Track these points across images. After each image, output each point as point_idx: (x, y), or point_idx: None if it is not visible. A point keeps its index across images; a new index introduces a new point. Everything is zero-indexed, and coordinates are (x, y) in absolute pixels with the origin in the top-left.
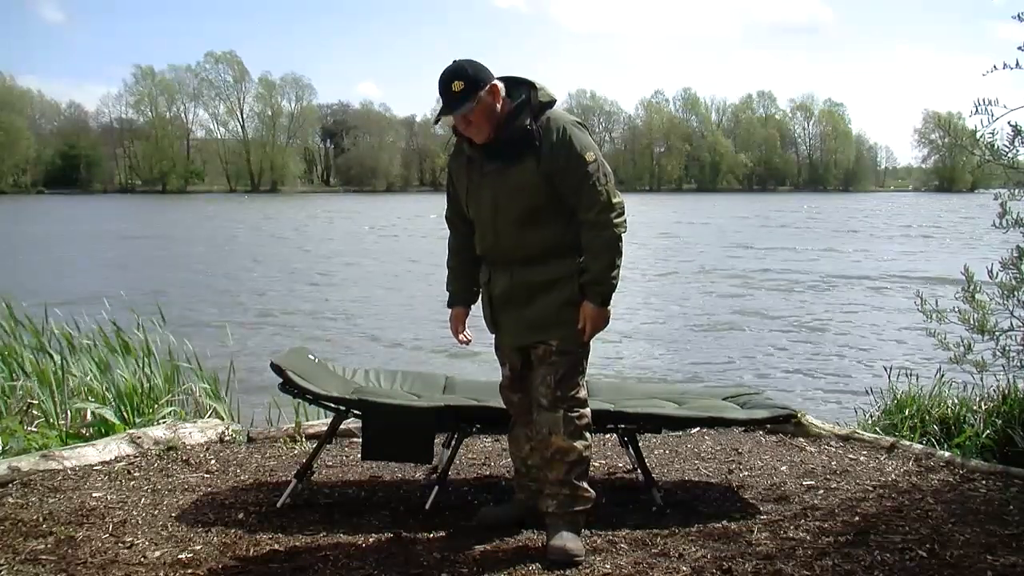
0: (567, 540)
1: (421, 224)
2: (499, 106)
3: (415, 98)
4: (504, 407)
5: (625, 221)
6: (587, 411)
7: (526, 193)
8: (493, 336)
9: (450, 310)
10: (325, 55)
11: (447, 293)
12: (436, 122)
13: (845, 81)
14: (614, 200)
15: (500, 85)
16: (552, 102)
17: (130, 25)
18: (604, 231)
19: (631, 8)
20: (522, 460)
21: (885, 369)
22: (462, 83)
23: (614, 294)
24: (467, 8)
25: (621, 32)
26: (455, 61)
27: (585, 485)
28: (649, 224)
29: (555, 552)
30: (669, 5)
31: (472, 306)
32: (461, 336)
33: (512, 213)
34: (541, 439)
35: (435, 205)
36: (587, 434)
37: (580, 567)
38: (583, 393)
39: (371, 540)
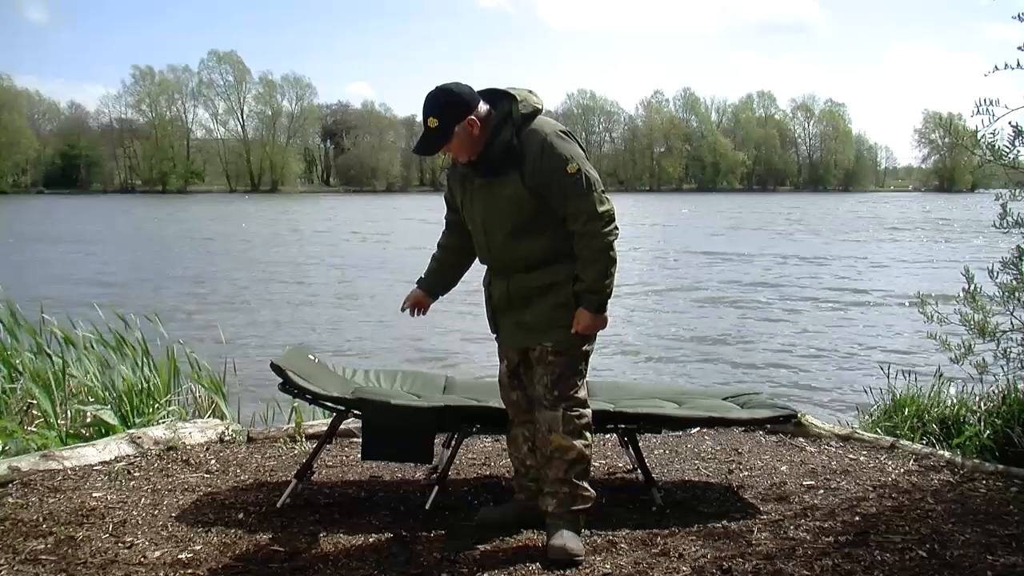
0: (567, 539)
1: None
2: (476, 132)
3: (409, 99)
4: (504, 407)
5: (615, 228)
6: (587, 411)
7: (514, 208)
8: (494, 336)
9: (414, 287)
10: (316, 56)
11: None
12: (415, 151)
13: (838, 81)
14: (600, 209)
15: (483, 110)
16: (535, 113)
17: (116, 25)
18: (593, 241)
19: (614, 7)
20: (520, 460)
21: (882, 368)
22: (436, 120)
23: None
24: (452, 9)
25: (606, 31)
26: (436, 88)
27: (585, 484)
28: (648, 223)
29: (555, 551)
30: (652, 3)
31: (436, 297)
32: (407, 310)
33: (503, 227)
34: (541, 437)
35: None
36: (587, 433)
37: (580, 567)
38: (583, 393)
39: (371, 540)
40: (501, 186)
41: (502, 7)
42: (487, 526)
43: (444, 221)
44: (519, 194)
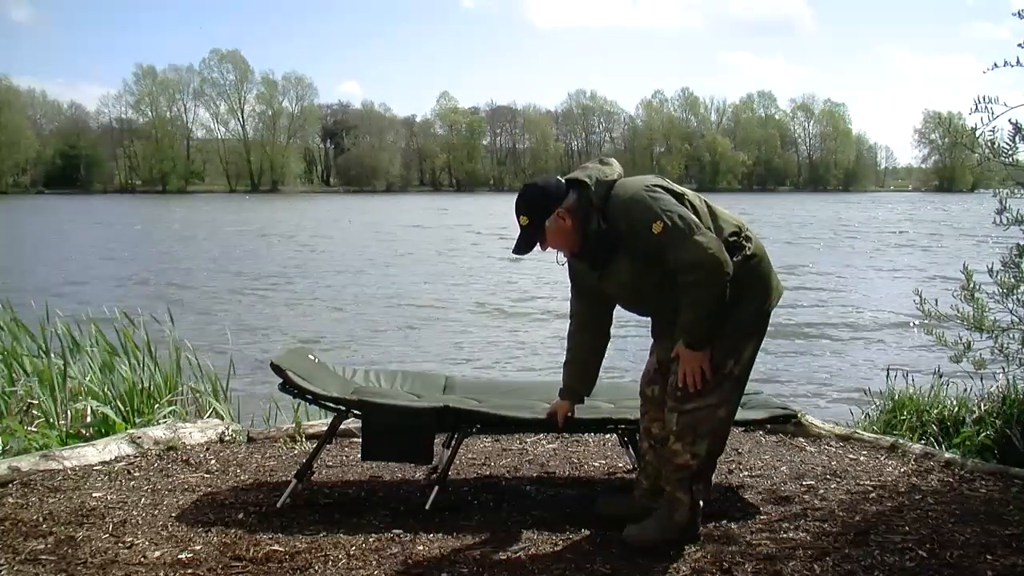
0: (642, 526)
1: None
2: (569, 223)
3: (401, 97)
4: (502, 409)
5: (720, 272)
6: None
7: (641, 282)
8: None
9: (556, 400)
10: (307, 55)
11: None
12: (514, 252)
13: (833, 80)
14: (698, 257)
15: (572, 200)
16: (611, 185)
17: (117, 24)
18: (696, 291)
19: (598, 5)
20: (641, 454)
21: (881, 368)
22: (527, 218)
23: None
24: (436, 8)
25: (590, 29)
26: (524, 185)
27: (680, 495)
28: None
29: (627, 533)
30: (637, 2)
31: (582, 399)
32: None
33: (645, 299)
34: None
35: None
36: (697, 442)
37: (579, 566)
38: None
39: (371, 540)
40: (617, 273)
41: (485, 7)
42: (606, 517)
43: (569, 311)
44: (636, 270)
